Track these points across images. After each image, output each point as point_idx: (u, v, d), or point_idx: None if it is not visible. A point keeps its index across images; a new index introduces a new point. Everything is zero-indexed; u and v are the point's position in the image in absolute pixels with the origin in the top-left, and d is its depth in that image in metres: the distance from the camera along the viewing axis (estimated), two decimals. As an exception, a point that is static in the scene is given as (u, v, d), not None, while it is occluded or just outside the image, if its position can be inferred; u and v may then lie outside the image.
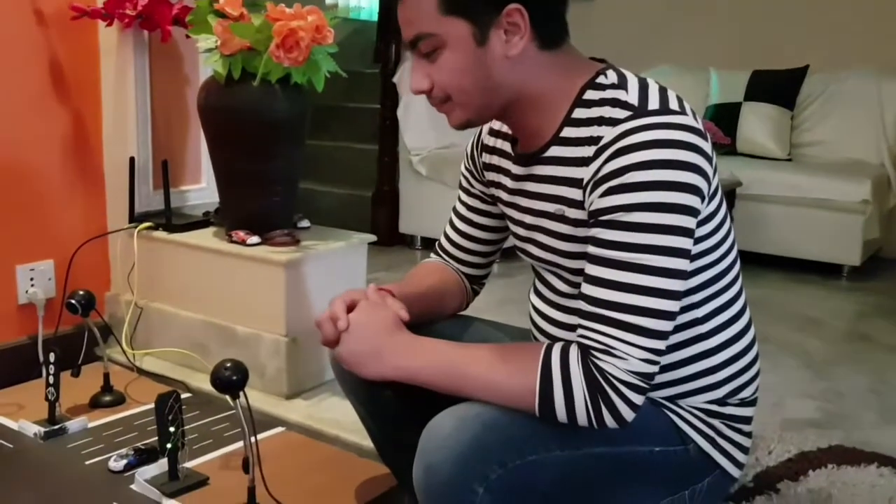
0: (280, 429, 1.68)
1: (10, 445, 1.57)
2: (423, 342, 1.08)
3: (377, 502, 1.44)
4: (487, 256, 1.36)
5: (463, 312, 1.36)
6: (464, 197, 1.33)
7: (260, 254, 1.84)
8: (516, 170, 1.16)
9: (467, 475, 0.95)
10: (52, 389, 1.62)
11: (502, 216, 1.27)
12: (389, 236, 3.45)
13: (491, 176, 1.24)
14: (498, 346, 1.11)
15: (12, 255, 1.95)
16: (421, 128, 3.31)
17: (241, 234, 1.89)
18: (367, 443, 1.52)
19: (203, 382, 1.85)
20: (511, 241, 1.30)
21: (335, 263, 1.93)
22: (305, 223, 2.07)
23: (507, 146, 1.19)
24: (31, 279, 1.98)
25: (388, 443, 1.37)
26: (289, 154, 1.92)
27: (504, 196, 1.20)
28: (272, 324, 1.83)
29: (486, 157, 1.25)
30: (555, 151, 1.07)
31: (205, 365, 1.89)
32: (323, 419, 1.69)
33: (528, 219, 1.15)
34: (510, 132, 1.19)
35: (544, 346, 1.00)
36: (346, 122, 4.14)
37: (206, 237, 1.98)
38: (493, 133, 1.24)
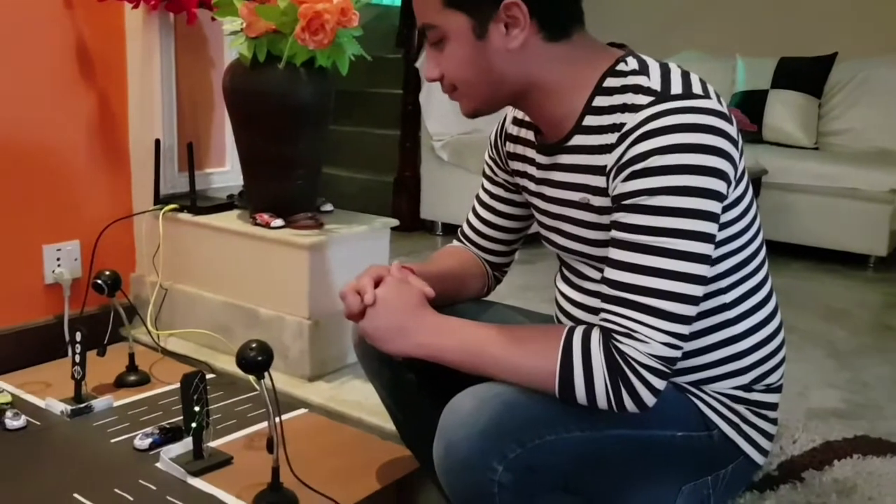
0: (303, 410, 1.69)
1: (38, 423, 1.59)
2: (447, 321, 1.09)
3: (399, 484, 1.45)
4: (510, 244, 1.36)
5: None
6: (487, 185, 1.33)
7: (284, 236, 1.85)
8: (540, 159, 1.16)
9: (486, 453, 0.96)
10: (78, 368, 1.64)
11: (525, 204, 1.27)
12: (411, 222, 3.45)
13: (515, 165, 1.24)
14: (520, 328, 1.12)
15: (39, 236, 1.97)
16: (443, 113, 3.30)
17: (266, 216, 1.90)
18: (389, 425, 1.53)
19: (227, 364, 1.87)
20: (534, 229, 1.30)
21: (358, 247, 1.93)
22: (328, 207, 2.08)
23: (530, 135, 1.19)
24: (58, 259, 2.00)
25: (410, 425, 1.38)
26: (313, 137, 1.92)
27: (530, 186, 1.20)
28: (295, 306, 1.84)
29: (510, 147, 1.25)
30: (577, 140, 1.07)
31: (228, 346, 1.91)
32: (345, 401, 1.70)
33: (553, 208, 1.14)
34: (532, 121, 1.18)
35: (566, 329, 1.00)
36: (368, 107, 4.14)
37: (230, 220, 1.99)
38: (517, 122, 1.24)
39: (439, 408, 1.09)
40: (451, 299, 1.25)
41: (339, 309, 1.83)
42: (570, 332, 0.99)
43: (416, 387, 1.28)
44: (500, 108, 1.16)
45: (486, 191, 1.34)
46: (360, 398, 1.71)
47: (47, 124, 1.96)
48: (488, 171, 1.33)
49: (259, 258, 1.90)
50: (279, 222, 1.89)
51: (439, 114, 3.32)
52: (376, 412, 1.60)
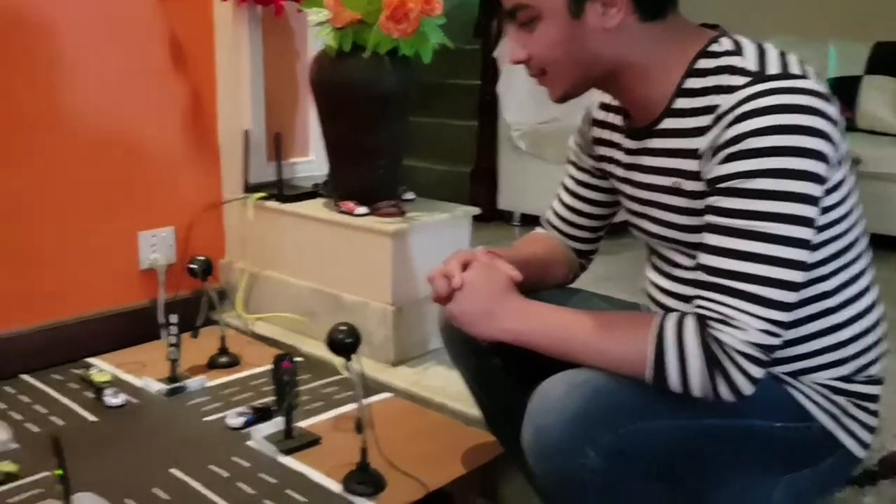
0: (387, 395, 1.71)
1: (136, 400, 1.66)
2: (535, 305, 1.08)
3: (485, 469, 1.46)
4: (596, 231, 1.34)
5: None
6: (573, 171, 1.32)
7: (368, 224, 1.88)
8: (629, 144, 1.14)
9: (578, 438, 0.95)
10: (173, 349, 1.71)
11: (612, 191, 1.26)
12: (488, 212, 3.44)
13: (602, 151, 1.22)
14: (609, 314, 1.11)
15: (135, 223, 2.05)
16: (521, 103, 3.28)
17: (350, 204, 1.93)
18: (473, 411, 1.54)
19: (312, 348, 1.92)
20: (620, 217, 1.28)
21: (440, 235, 1.95)
22: (410, 195, 2.10)
23: (618, 120, 1.17)
24: (153, 245, 2.08)
25: (496, 410, 1.38)
26: (396, 126, 1.94)
27: (618, 172, 1.18)
28: (379, 293, 1.87)
29: (597, 132, 1.23)
30: (668, 123, 1.05)
31: (314, 331, 1.95)
32: (429, 387, 1.72)
33: (643, 194, 1.12)
34: (621, 105, 1.16)
35: (659, 315, 0.98)
36: (445, 98, 4.15)
37: (316, 207, 2.03)
38: (605, 107, 1.22)
39: (525, 393, 1.09)
40: (535, 285, 1.24)
41: (422, 296, 1.88)
42: (664, 318, 0.97)
43: (501, 371, 1.29)
44: (588, 90, 1.15)
45: (571, 177, 1.33)
46: (444, 384, 1.72)
47: (141, 116, 2.04)
48: (574, 158, 1.32)
49: (343, 245, 1.94)
50: (363, 210, 1.92)
51: (517, 103, 3.29)
52: (460, 398, 1.61)
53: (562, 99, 1.10)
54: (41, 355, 1.84)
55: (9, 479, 1.33)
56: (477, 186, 3.55)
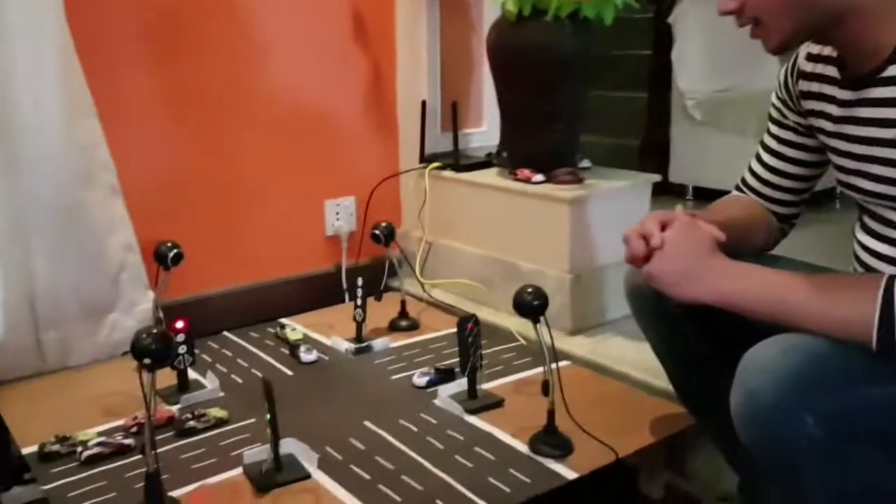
0: (566, 362, 1.70)
1: (326, 358, 1.75)
2: (741, 266, 1.04)
3: (674, 439, 1.42)
4: (799, 193, 1.27)
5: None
6: (774, 129, 1.25)
7: (545, 191, 1.86)
8: (843, 95, 1.05)
9: (795, 403, 0.89)
10: (359, 311, 1.78)
11: (818, 149, 1.17)
12: (658, 186, 3.33)
13: (810, 105, 1.14)
14: (824, 275, 1.04)
15: (322, 192, 2.16)
16: (697, 70, 3.14)
17: (526, 172, 1.93)
18: (657, 381, 1.50)
19: (488, 315, 1.93)
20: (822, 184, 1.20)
21: (619, 203, 1.90)
22: (586, 163, 2.07)
23: (829, 70, 1.09)
24: (337, 213, 2.18)
25: (687, 379, 1.33)
26: (574, 90, 1.91)
27: (828, 126, 1.10)
28: (556, 261, 1.85)
29: (804, 85, 1.15)
30: (894, 70, 0.96)
31: (490, 298, 1.97)
32: (609, 356, 1.69)
33: (858, 148, 1.04)
34: (833, 55, 1.08)
35: (885, 276, 0.91)
36: (611, 70, 4.04)
37: (491, 176, 2.05)
38: (812, 58, 1.14)
39: (719, 360, 1.04)
40: (734, 251, 1.18)
41: (601, 264, 1.85)
42: (892, 279, 0.90)
43: (694, 338, 1.24)
44: (806, 41, 1.08)
45: (773, 136, 1.26)
46: (624, 353, 1.69)
47: (328, 91, 2.13)
48: (776, 115, 1.24)
49: (520, 213, 1.94)
50: (540, 177, 1.91)
51: (692, 71, 3.16)
52: (643, 368, 1.57)
53: (778, 50, 1.04)
54: (240, 314, 1.98)
55: (219, 424, 1.44)
56: (646, 159, 3.44)
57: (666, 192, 3.38)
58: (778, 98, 1.23)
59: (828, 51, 1.10)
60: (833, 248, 1.40)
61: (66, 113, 1.61)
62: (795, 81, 1.18)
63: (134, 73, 1.82)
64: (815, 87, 1.13)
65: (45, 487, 1.25)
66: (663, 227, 1.09)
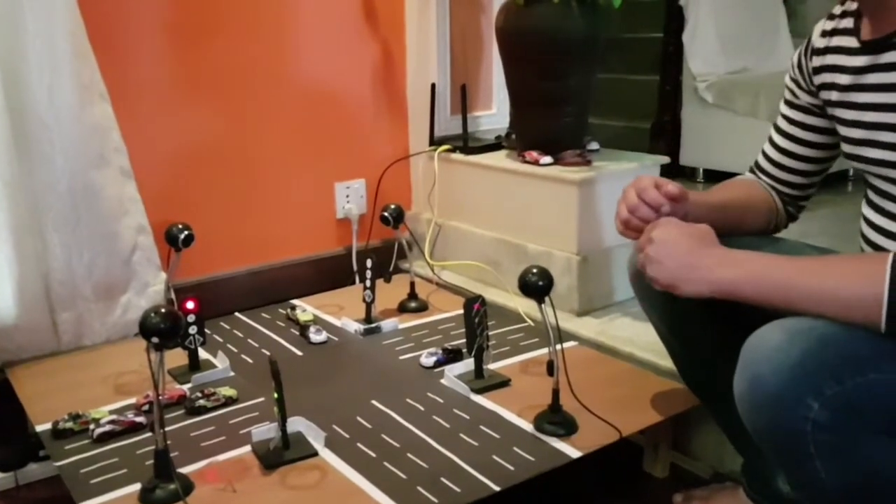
0: (573, 343, 1.71)
1: (336, 338, 1.77)
2: (740, 253, 1.03)
3: (678, 419, 1.43)
4: (810, 176, 1.26)
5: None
6: (787, 110, 1.25)
7: (553, 173, 1.87)
8: (857, 61, 1.05)
9: (800, 388, 0.89)
10: (369, 292, 1.79)
11: (831, 131, 1.17)
12: (669, 169, 3.31)
13: (822, 78, 1.14)
14: (828, 256, 1.03)
15: (332, 174, 2.17)
16: (709, 52, 3.12)
17: (534, 154, 1.93)
18: (663, 362, 1.51)
19: (496, 296, 1.95)
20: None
21: (627, 184, 1.89)
22: (595, 145, 2.07)
23: (844, 41, 1.09)
24: (347, 196, 2.19)
25: (692, 360, 1.34)
26: (582, 73, 1.91)
27: (835, 96, 1.10)
28: (564, 242, 1.86)
29: (817, 60, 1.15)
30: None
31: (499, 279, 1.98)
32: (616, 337, 1.70)
33: (869, 116, 1.03)
34: (849, 27, 1.08)
35: (891, 253, 0.90)
36: (622, 53, 4.02)
37: (500, 158, 2.05)
38: (826, 34, 1.15)
39: (724, 342, 1.04)
40: (728, 232, 1.17)
41: (607, 246, 1.85)
42: None
43: (699, 319, 1.24)
44: None
45: (785, 117, 1.26)
46: (631, 334, 1.69)
47: (338, 74, 2.14)
48: (789, 96, 1.25)
49: (528, 195, 1.94)
50: (548, 159, 1.91)
51: (704, 53, 3.14)
52: (649, 349, 1.58)
53: None
54: (251, 295, 2.00)
55: (229, 403, 1.47)
56: (657, 142, 3.43)
57: (677, 174, 3.37)
58: (791, 79, 1.23)
59: (844, 23, 1.10)
60: (846, 231, 1.40)
61: (79, 96, 1.63)
62: (809, 58, 1.18)
63: (145, 56, 1.83)
64: (828, 59, 1.13)
65: (59, 464, 1.28)
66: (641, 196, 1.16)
